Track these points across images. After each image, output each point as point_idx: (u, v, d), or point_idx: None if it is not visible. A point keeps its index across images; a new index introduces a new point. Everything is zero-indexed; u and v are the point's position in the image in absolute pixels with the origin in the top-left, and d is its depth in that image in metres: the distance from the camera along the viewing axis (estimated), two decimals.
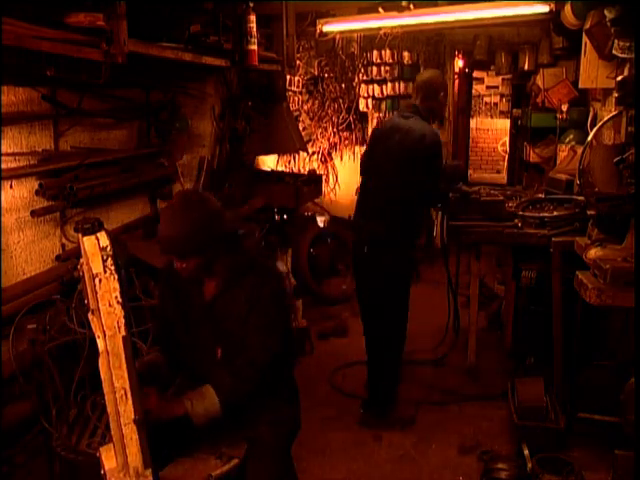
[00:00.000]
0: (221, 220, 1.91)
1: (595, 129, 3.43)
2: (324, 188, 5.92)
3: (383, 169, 3.22)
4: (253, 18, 3.51)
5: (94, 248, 1.43)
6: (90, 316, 1.49)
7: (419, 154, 3.11)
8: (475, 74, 5.87)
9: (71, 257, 2.80)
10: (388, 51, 5.92)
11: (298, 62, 5.64)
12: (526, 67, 5.39)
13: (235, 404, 1.89)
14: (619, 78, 3.00)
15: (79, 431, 2.27)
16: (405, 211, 3.18)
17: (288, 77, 5.23)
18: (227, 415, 1.88)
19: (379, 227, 3.17)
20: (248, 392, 1.91)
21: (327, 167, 6.47)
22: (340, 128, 6.35)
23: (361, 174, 3.51)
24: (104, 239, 1.44)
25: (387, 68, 6.01)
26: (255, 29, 3.54)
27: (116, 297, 1.42)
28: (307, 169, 6.19)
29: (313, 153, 6.38)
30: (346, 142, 6.45)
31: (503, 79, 9.38)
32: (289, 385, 2.21)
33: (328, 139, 6.38)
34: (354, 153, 6.49)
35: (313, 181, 5.30)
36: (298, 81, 5.96)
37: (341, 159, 6.52)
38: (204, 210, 1.86)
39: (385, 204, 3.17)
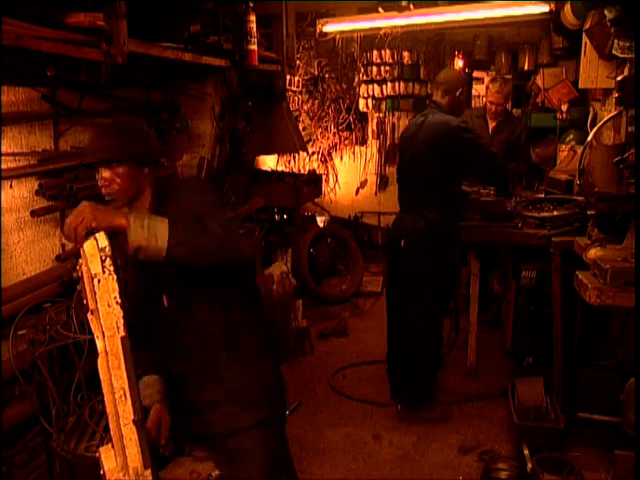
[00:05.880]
0: (151, 143, 1.91)
1: (595, 129, 3.42)
2: (324, 188, 5.92)
3: (416, 169, 3.34)
4: (253, 18, 3.51)
5: (93, 249, 1.43)
6: (89, 316, 1.49)
7: (448, 142, 3.20)
8: (475, 74, 5.84)
9: (71, 257, 2.79)
10: (388, 51, 5.91)
11: (298, 62, 5.65)
12: (526, 67, 5.38)
13: (185, 247, 1.54)
14: (619, 78, 3.00)
15: (78, 434, 2.27)
16: (443, 203, 3.31)
17: (288, 77, 5.24)
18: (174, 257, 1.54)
19: (419, 221, 3.29)
20: (203, 248, 1.59)
21: (327, 167, 6.48)
22: (340, 128, 6.35)
23: (397, 182, 3.62)
24: (103, 240, 1.44)
25: (387, 68, 6.00)
26: (255, 29, 3.54)
27: (115, 297, 1.42)
28: (307, 169, 6.20)
29: (313, 153, 6.39)
30: (346, 142, 6.45)
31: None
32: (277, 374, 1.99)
33: (328, 139, 6.39)
34: (354, 153, 6.49)
35: (313, 181, 5.31)
36: (298, 81, 5.97)
37: (341, 159, 6.52)
38: (138, 128, 1.88)
39: (422, 199, 3.31)
